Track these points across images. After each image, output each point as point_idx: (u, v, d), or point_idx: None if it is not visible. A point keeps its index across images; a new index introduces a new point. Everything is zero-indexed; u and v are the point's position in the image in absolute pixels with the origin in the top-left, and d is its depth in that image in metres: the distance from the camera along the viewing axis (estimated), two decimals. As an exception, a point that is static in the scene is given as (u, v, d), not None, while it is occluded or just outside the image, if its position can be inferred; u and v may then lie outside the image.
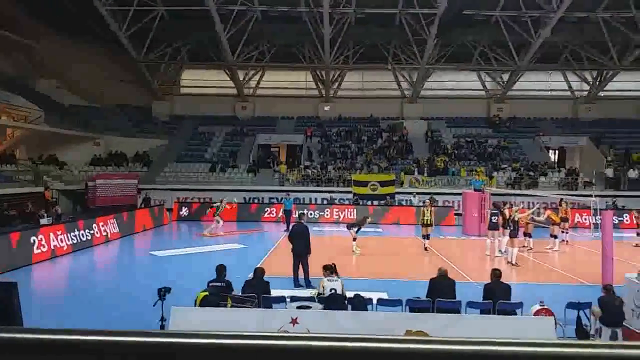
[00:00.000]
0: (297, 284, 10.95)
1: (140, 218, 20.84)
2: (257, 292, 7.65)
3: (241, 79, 34.44)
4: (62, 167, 27.74)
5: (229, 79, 34.69)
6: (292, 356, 0.71)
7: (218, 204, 19.99)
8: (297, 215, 14.58)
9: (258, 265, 9.56)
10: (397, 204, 25.58)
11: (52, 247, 14.32)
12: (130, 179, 26.28)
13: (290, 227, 12.32)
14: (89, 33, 29.50)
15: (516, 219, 14.37)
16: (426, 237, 16.22)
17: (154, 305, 6.88)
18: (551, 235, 16.67)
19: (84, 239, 16.08)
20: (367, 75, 35.60)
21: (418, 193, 25.63)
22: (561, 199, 18.27)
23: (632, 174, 27.02)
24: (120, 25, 27.18)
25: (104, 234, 17.50)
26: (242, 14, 27.35)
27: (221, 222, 19.56)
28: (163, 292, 6.92)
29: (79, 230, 15.97)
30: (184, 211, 24.43)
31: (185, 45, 31.94)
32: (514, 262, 13.80)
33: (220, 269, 8.11)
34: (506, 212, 14.88)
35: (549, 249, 16.39)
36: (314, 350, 0.70)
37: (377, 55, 31.88)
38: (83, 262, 14.48)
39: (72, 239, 15.41)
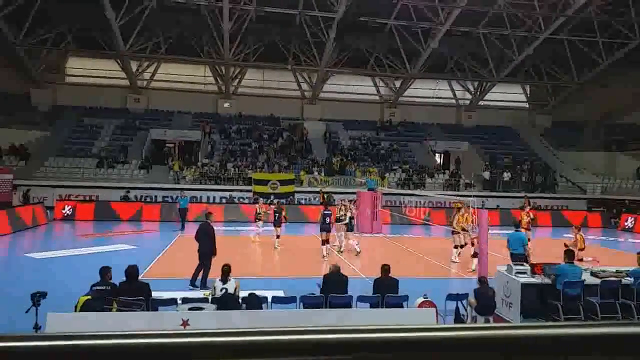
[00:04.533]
0: (193, 285, 10.61)
1: (15, 217, 18.90)
2: (133, 295, 7.25)
3: (134, 70, 32.57)
4: None
5: (120, 69, 32.64)
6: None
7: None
8: (204, 215, 14.05)
9: (131, 264, 8.01)
10: (297, 202, 25.85)
11: None
12: (4, 174, 23.65)
13: (198, 227, 11.85)
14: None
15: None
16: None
17: (26, 312, 6.27)
18: None
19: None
20: (268, 74, 35.43)
21: (316, 192, 26.09)
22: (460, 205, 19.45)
23: (506, 176, 29.98)
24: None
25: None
26: (136, 1, 25.88)
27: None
28: (37, 297, 6.33)
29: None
30: (67, 209, 22.59)
31: (71, 31, 29.47)
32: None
33: (104, 271, 7.57)
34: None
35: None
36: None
37: (278, 54, 31.91)
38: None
39: None
